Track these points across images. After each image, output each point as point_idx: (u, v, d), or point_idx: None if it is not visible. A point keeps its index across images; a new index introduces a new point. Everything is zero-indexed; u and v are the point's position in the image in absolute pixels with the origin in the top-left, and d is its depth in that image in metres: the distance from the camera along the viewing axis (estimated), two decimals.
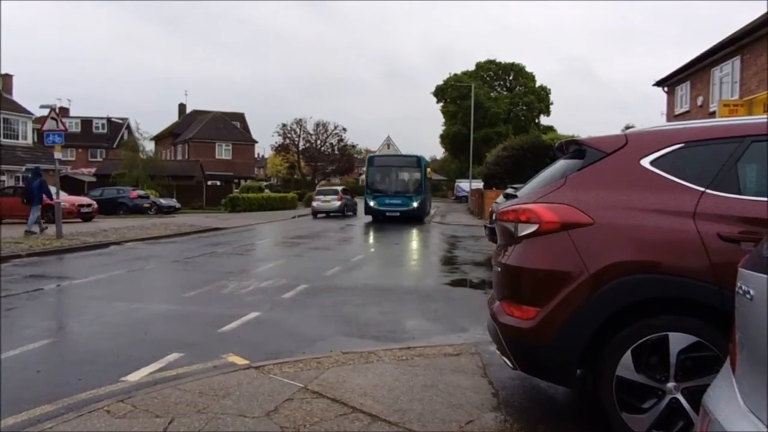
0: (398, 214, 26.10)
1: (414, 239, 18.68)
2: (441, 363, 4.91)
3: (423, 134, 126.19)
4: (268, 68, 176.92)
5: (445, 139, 67.53)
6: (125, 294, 8.85)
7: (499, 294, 3.79)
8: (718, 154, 3.25)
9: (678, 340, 3.06)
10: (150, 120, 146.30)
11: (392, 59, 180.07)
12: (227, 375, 4.57)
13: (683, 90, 23.06)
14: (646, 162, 3.35)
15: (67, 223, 17.38)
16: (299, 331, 6.49)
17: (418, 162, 27.73)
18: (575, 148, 3.81)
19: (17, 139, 33.04)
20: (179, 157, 58.28)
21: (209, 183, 48.13)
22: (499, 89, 67.68)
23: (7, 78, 35.60)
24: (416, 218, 26.52)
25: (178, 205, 35.81)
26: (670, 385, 3.06)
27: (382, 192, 26.82)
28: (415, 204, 26.18)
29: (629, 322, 3.14)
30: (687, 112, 22.25)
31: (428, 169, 28.54)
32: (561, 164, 3.93)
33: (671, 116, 24.28)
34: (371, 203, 26.68)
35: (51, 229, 16.91)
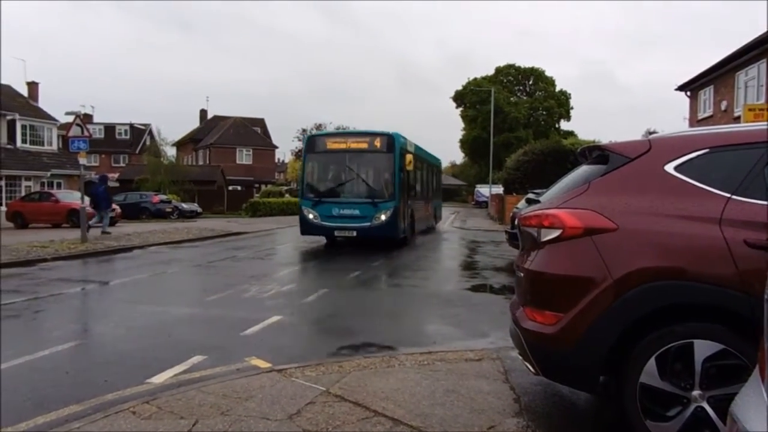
0: (354, 233, 15.59)
1: (433, 244, 18.65)
2: (462, 368, 4.91)
3: (442, 139, 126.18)
4: (286, 73, 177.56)
5: (465, 144, 67.52)
6: (149, 297, 8.98)
7: (521, 299, 3.79)
8: (744, 159, 3.21)
9: (703, 348, 3.02)
10: (171, 125, 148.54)
11: (410, 64, 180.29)
12: (250, 378, 4.63)
13: (706, 94, 22.77)
14: (670, 167, 3.32)
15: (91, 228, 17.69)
16: (321, 334, 6.53)
17: (389, 143, 15.88)
18: (598, 153, 3.80)
19: (43, 145, 33.64)
20: (200, 163, 58.94)
21: (230, 188, 48.63)
22: (518, 94, 67.53)
23: (33, 85, 36.33)
24: (387, 239, 16.00)
25: (199, 210, 36.30)
26: (696, 393, 3.02)
27: (328, 195, 16.06)
28: (382, 216, 15.40)
29: (653, 329, 3.12)
30: (710, 116, 21.96)
31: (409, 156, 16.73)
32: (584, 170, 3.92)
33: (694, 121, 23.97)
34: (310, 216, 15.95)
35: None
